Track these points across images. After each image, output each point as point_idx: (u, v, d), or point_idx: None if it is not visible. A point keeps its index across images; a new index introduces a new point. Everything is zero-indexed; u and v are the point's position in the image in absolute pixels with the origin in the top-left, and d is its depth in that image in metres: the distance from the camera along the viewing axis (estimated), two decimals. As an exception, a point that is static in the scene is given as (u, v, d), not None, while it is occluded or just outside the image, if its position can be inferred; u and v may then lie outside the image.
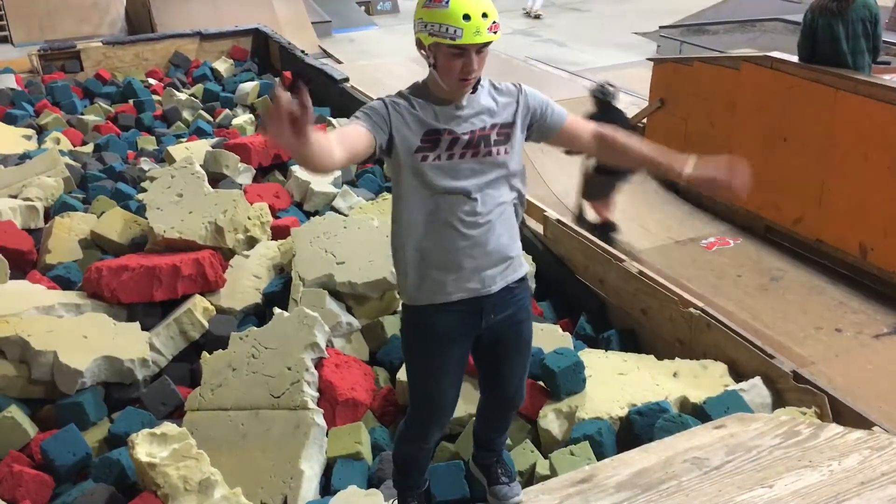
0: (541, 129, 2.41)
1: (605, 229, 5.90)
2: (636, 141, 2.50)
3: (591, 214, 6.19)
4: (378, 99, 2.30)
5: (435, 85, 2.26)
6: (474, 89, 2.28)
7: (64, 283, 4.60)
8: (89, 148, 6.93)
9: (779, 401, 3.52)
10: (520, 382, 2.62)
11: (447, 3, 2.13)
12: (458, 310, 2.35)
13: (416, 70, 8.66)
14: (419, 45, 2.24)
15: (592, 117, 4.64)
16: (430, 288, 2.34)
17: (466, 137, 2.27)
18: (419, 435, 2.59)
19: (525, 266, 2.50)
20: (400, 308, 3.50)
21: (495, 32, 2.16)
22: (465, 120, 2.28)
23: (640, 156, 2.48)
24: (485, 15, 2.13)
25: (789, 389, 3.49)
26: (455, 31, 2.11)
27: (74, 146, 6.96)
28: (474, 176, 2.29)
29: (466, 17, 2.11)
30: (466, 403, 3.34)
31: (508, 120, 2.34)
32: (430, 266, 2.32)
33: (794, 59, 5.34)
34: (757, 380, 3.56)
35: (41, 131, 7.31)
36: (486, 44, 2.17)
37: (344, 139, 2.13)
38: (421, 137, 2.25)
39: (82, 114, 7.83)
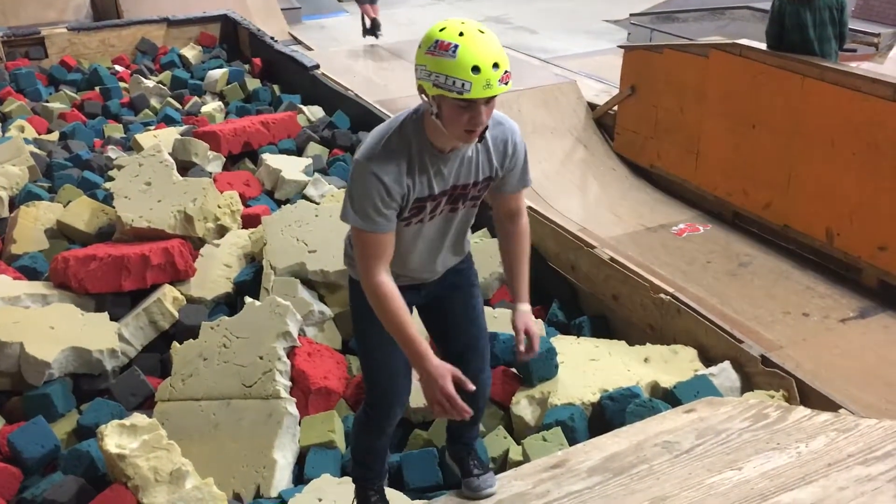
0: (499, 182, 2.36)
1: (373, 28, 9.09)
2: (521, 251, 2.58)
3: (366, 21, 9.19)
4: (374, 170, 2.09)
5: (434, 133, 2.11)
6: (480, 138, 2.12)
7: (30, 274, 4.53)
8: (55, 136, 6.82)
9: (747, 384, 3.57)
10: (480, 358, 2.59)
11: (454, 52, 1.93)
12: (402, 286, 2.33)
13: (386, 57, 8.61)
14: (421, 91, 2.05)
15: None
16: None
17: (446, 197, 2.23)
18: (381, 415, 2.54)
19: (468, 246, 2.54)
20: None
21: (507, 83, 1.98)
22: (452, 173, 2.20)
23: (507, 258, 2.59)
24: (496, 65, 1.94)
25: (758, 373, 3.54)
26: (463, 85, 1.93)
27: (39, 134, 6.84)
28: (444, 226, 2.32)
29: (476, 69, 1.92)
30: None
31: (489, 175, 2.29)
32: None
33: (763, 46, 5.37)
34: (726, 364, 3.61)
35: (5, 119, 7.18)
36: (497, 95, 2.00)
37: (387, 261, 2.18)
38: (410, 208, 2.18)
39: (47, 101, 7.69)
